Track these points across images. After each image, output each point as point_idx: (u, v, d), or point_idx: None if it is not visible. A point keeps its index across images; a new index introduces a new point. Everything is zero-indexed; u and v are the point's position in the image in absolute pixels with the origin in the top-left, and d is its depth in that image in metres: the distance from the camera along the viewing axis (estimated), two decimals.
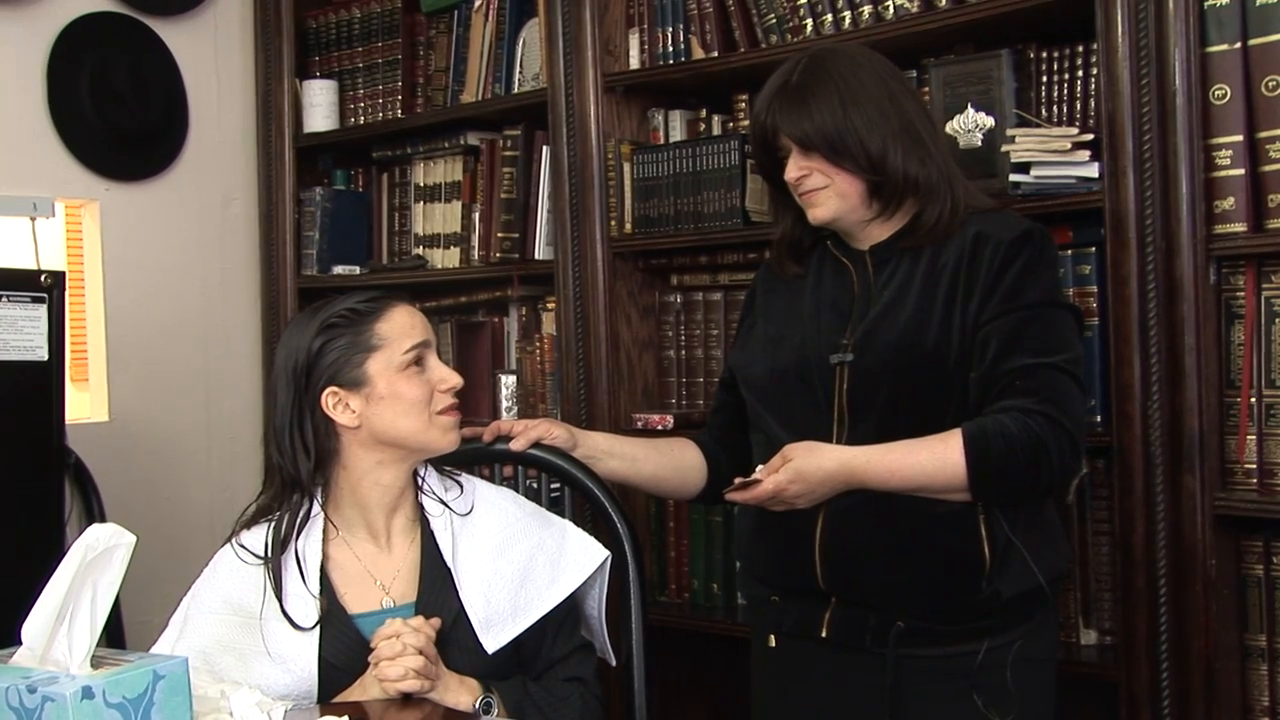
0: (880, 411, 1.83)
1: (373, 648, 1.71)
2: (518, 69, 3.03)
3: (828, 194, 1.89)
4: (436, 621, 1.76)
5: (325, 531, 1.83)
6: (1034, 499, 1.83)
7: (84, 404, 3.21)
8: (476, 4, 3.09)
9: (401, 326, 1.83)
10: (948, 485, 1.76)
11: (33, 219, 3.06)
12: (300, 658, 1.75)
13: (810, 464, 1.79)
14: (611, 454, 2.07)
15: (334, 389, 1.80)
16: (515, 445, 2.03)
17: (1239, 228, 2.06)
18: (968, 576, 1.80)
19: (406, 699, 1.69)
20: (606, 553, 1.92)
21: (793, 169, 1.90)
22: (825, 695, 1.90)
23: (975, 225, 1.86)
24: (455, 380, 1.86)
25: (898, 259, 1.89)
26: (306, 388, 1.80)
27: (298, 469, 1.81)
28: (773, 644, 1.96)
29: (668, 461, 2.09)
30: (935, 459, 1.76)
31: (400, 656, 1.68)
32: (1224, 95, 2.06)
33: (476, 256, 3.10)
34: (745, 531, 2.01)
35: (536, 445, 2.04)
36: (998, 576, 1.79)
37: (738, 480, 1.85)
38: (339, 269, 3.34)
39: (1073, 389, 1.79)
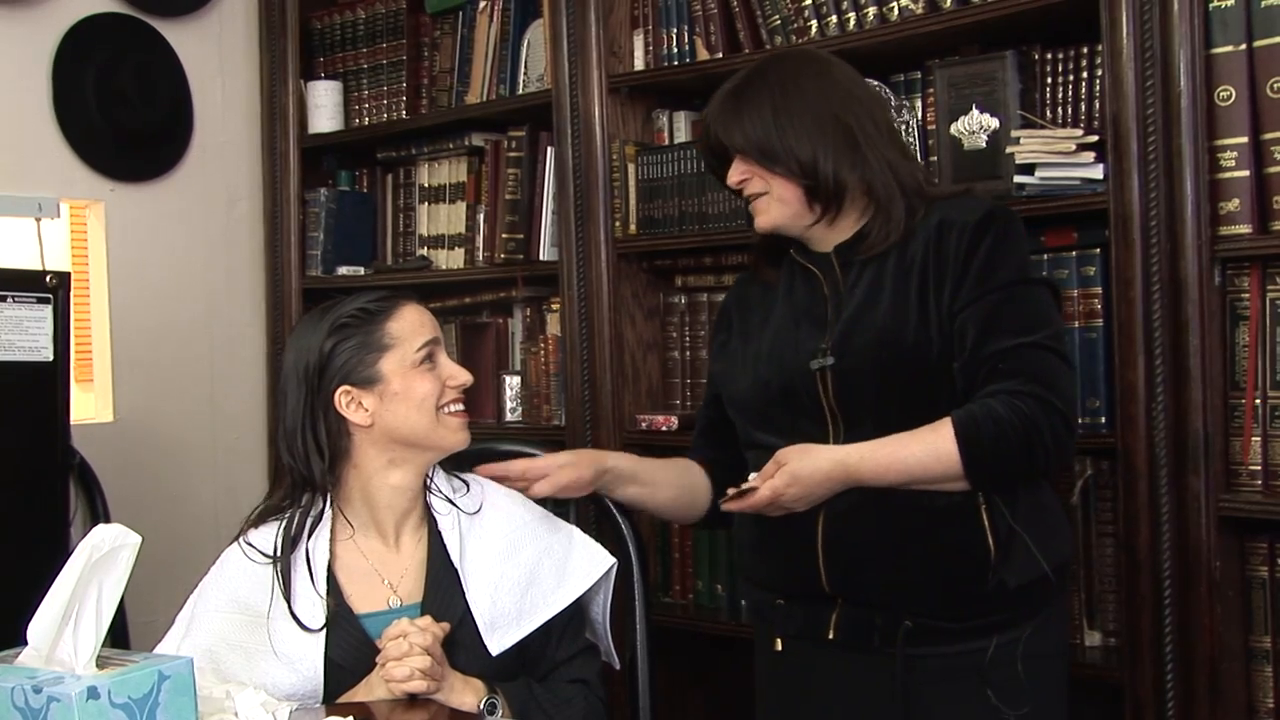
0: (873, 413, 1.81)
1: (380, 648, 1.72)
2: (522, 70, 3.03)
3: (768, 200, 1.89)
4: (446, 626, 1.76)
5: (334, 531, 1.84)
6: (1031, 479, 1.82)
7: (89, 404, 3.21)
8: (481, 5, 3.09)
9: (412, 325, 1.84)
10: (944, 475, 1.75)
11: (38, 219, 3.06)
12: (306, 658, 1.75)
13: (805, 466, 1.78)
14: (635, 479, 2.03)
15: (347, 388, 1.80)
16: (538, 490, 1.97)
17: (1244, 229, 2.06)
18: (973, 568, 1.79)
19: (411, 699, 1.69)
20: (613, 560, 1.92)
21: (733, 174, 1.91)
22: (834, 698, 1.89)
23: (938, 213, 1.85)
24: (465, 377, 1.87)
25: (865, 257, 1.88)
26: (319, 388, 1.81)
27: (310, 469, 1.82)
28: (779, 648, 1.95)
29: (684, 482, 2.06)
30: (928, 450, 1.75)
31: (407, 656, 1.68)
32: (1229, 97, 2.06)
33: (481, 257, 3.10)
34: (745, 543, 1.98)
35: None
36: (1003, 566, 1.78)
37: (731, 490, 1.83)
38: (343, 270, 3.34)
39: (1057, 365, 1.77)
